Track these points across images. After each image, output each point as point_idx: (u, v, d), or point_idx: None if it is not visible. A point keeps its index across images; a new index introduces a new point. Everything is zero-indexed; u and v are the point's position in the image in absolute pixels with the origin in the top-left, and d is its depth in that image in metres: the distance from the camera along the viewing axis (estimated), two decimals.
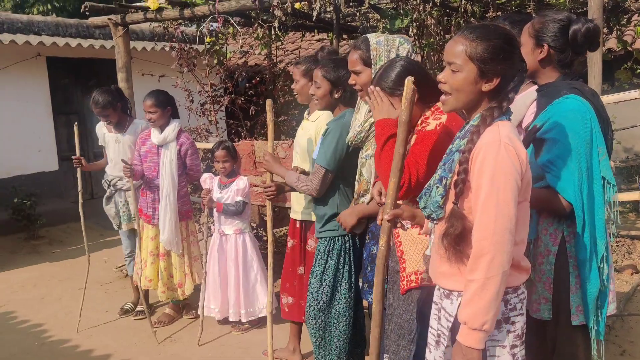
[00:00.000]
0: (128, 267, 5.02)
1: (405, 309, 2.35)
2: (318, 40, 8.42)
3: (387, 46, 2.70)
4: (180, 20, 5.56)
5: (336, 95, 3.14)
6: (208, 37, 5.74)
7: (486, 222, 1.71)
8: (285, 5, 4.43)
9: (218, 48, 5.96)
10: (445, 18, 6.08)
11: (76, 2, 16.02)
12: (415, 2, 5.41)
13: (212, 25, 5.50)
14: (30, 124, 8.24)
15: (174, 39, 5.80)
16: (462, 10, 5.37)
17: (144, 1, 5.30)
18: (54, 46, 7.76)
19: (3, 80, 7.84)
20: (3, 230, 7.41)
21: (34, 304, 5.33)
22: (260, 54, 7.47)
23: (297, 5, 4.87)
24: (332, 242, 3.13)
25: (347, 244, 3.12)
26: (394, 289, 2.52)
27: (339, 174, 3.07)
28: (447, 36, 6.08)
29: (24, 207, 7.40)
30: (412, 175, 2.22)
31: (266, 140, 5.66)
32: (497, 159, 1.70)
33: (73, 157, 4.54)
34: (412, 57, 2.72)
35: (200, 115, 6.02)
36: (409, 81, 1.98)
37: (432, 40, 5.69)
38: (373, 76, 2.68)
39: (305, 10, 5.39)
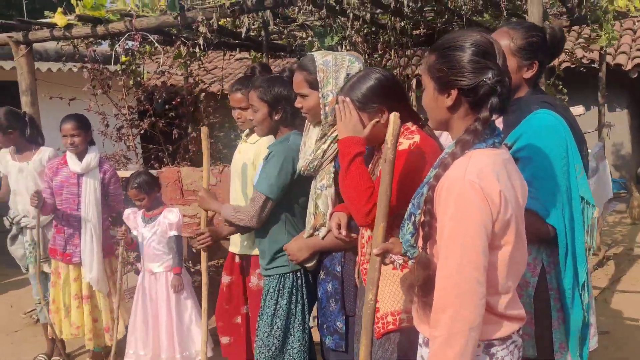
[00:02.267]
0: (40, 315, 4.45)
1: (381, 356, 2.09)
2: (237, 60, 8.11)
3: (336, 66, 2.46)
4: (91, 39, 5.09)
5: (276, 117, 2.86)
6: (123, 56, 5.31)
7: (448, 272, 1.46)
8: (211, 22, 4.12)
9: (134, 68, 5.53)
10: (372, 36, 5.99)
11: None
12: (343, 20, 5.27)
13: (127, 44, 5.07)
14: None
15: (86, 59, 5.31)
16: (392, 27, 5.29)
17: (50, 17, 4.80)
18: None
19: None
20: None
21: None
22: (177, 74, 7.07)
23: (221, 22, 4.57)
24: (282, 279, 2.83)
25: (299, 280, 2.83)
26: None
27: (283, 203, 2.79)
28: (374, 54, 6.00)
29: None
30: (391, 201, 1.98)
31: (192, 165, 5.33)
32: (458, 200, 1.46)
33: None
34: None
35: (116, 141, 5.54)
36: (395, 117, 1.76)
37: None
38: (321, 94, 2.44)
39: (230, 28, 5.11)
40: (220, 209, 2.93)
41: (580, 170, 2.09)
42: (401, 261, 1.88)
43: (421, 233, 1.58)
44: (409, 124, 2.13)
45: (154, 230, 3.86)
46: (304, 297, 2.85)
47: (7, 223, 4.24)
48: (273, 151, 2.77)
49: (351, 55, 2.54)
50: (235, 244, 3.33)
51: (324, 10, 4.19)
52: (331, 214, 2.48)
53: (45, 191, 3.99)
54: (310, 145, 2.59)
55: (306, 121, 2.68)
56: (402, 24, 5.32)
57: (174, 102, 6.01)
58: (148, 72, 6.01)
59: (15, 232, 4.25)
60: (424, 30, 5.33)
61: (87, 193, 3.92)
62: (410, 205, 1.64)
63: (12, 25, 4.92)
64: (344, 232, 2.35)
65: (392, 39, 5.32)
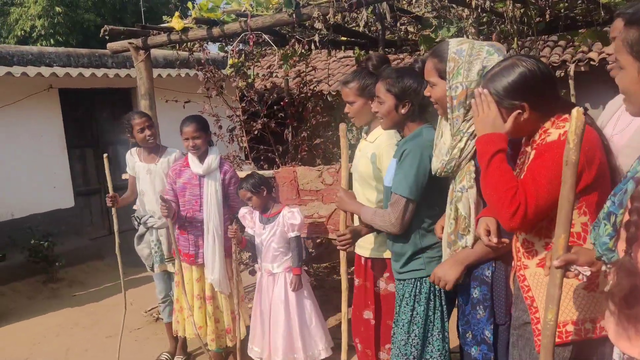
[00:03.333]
0: (163, 313, 4.54)
1: None
2: (341, 58, 8.02)
3: (470, 57, 2.24)
4: (206, 42, 5.15)
5: (402, 111, 2.68)
6: (233, 58, 5.34)
7: None
8: (327, 17, 4.01)
9: (246, 70, 5.56)
10: (487, 26, 5.67)
11: (79, 35, 15.82)
12: (459, 10, 5.01)
13: (239, 45, 5.09)
14: (44, 159, 7.84)
15: (200, 64, 5.39)
16: (511, 15, 4.95)
17: (167, 22, 4.90)
18: (66, 77, 7.40)
19: (14, 114, 7.46)
20: (19, 274, 6.95)
21: (59, 357, 4.85)
22: (278, 76, 7.07)
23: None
24: (418, 284, 2.66)
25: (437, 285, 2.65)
26: (520, 344, 2.04)
27: (422, 202, 2.62)
28: None
29: (41, 249, 6.95)
30: (530, 199, 1.77)
31: (306, 165, 5.27)
32: None
33: (107, 195, 4.08)
34: None
35: (229, 142, 5.59)
36: (578, 112, 1.52)
37: None
38: (448, 85, 2.25)
39: (340, 23, 5.00)
40: (360, 212, 2.80)
41: None
42: (588, 273, 1.65)
43: (624, 235, 1.36)
44: (564, 114, 1.90)
45: (273, 231, 3.82)
46: (443, 303, 2.66)
47: (135, 223, 4.36)
48: (407, 149, 2.60)
49: (491, 45, 2.31)
50: (362, 247, 3.20)
51: None
52: (477, 219, 2.28)
53: (168, 193, 4.05)
54: (445, 142, 2.40)
55: (439, 118, 2.49)
56: (522, 11, 4.98)
57: (282, 103, 5.99)
58: (257, 74, 6.03)
59: (142, 231, 4.35)
60: (547, 18, 4.95)
61: (208, 194, 3.94)
62: (608, 203, 1.44)
63: (132, 32, 5.06)
64: (494, 239, 2.14)
65: (512, 27, 4.98)
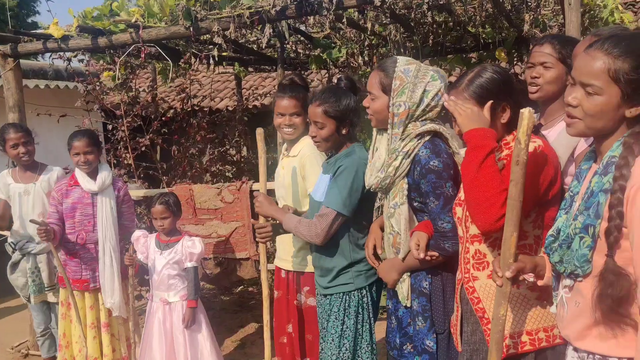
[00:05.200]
0: (42, 348, 4.10)
1: None
2: (221, 74, 7.91)
3: (415, 78, 2.34)
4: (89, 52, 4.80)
5: (344, 132, 2.72)
6: (122, 69, 5.04)
7: None
8: (228, 32, 3.94)
9: (130, 83, 5.26)
10: (368, 48, 5.94)
11: None
12: (349, 31, 5.20)
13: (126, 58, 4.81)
14: None
15: (81, 76, 5.01)
16: (393, 39, 5.24)
17: (44, 29, 4.49)
18: None
19: None
20: None
21: None
22: (155, 91, 6.80)
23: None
24: (347, 297, 2.68)
25: (365, 298, 2.69)
26: None
27: (354, 217, 2.65)
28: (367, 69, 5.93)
29: None
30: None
31: (198, 183, 5.08)
32: None
33: None
34: (439, 99, 2.36)
35: (111, 159, 5.24)
36: (529, 112, 1.63)
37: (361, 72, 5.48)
38: (392, 102, 2.33)
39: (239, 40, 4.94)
40: (283, 218, 2.75)
41: None
42: (532, 279, 1.77)
43: (601, 245, 1.50)
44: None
45: (170, 258, 3.62)
46: (370, 315, 2.71)
47: (9, 249, 3.90)
48: (343, 165, 2.63)
49: (436, 71, 2.41)
50: (283, 259, 3.16)
51: (345, 21, 4.08)
52: (411, 233, 2.36)
53: (52, 215, 3.69)
54: (379, 157, 2.47)
55: (373, 131, 2.56)
56: (406, 36, 5.29)
57: (164, 119, 5.76)
58: (140, 88, 5.73)
59: (17, 258, 3.90)
60: (430, 43, 5.30)
61: (103, 213, 3.65)
62: (582, 217, 1.55)
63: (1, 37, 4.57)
64: (422, 254, 2.25)
65: (393, 51, 5.26)
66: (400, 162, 2.34)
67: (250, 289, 5.91)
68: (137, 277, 3.73)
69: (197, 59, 4.33)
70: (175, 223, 3.68)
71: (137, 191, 4.44)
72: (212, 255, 4.36)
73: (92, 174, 3.71)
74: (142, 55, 4.24)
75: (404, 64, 2.36)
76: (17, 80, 4.73)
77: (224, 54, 5.98)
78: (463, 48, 5.89)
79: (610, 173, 1.50)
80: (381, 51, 5.72)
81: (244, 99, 7.38)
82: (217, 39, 4.02)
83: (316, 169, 2.89)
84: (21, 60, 4.86)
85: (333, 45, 5.13)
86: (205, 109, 6.12)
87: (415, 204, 2.38)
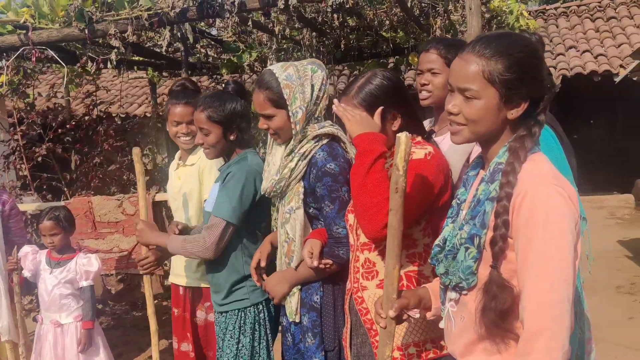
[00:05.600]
0: None
1: None
2: (133, 79, 7.59)
3: (300, 79, 2.26)
4: None
5: (232, 137, 2.58)
6: (10, 74, 4.69)
7: (542, 290, 1.33)
8: (126, 35, 3.72)
9: (24, 89, 4.91)
10: (282, 53, 5.83)
11: None
12: (259, 36, 5.08)
13: (17, 61, 4.47)
14: None
15: None
16: (307, 44, 5.15)
17: None
18: None
19: None
20: None
21: None
22: (64, 97, 6.44)
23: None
24: (242, 314, 2.54)
25: (262, 314, 2.56)
26: None
27: (243, 228, 2.52)
28: None
29: None
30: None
31: (100, 194, 4.80)
32: (550, 206, 1.35)
33: None
34: (326, 87, 2.33)
35: (4, 170, 4.87)
36: (405, 137, 1.54)
37: None
38: (291, 112, 2.23)
39: (139, 43, 4.70)
40: (166, 242, 2.58)
41: (571, 181, 2.04)
42: (417, 316, 1.69)
43: (487, 255, 1.42)
44: (417, 137, 1.97)
45: (62, 277, 3.35)
46: (268, 332, 2.58)
47: None
48: (232, 172, 2.49)
49: (312, 63, 2.35)
50: (179, 275, 2.99)
51: (250, 24, 3.95)
52: (305, 241, 2.25)
53: None
54: (275, 162, 2.36)
55: (269, 138, 2.44)
56: (319, 41, 5.21)
57: (68, 126, 5.43)
58: (39, 94, 5.38)
59: None
60: (342, 48, 5.25)
61: None
62: (468, 226, 1.47)
63: None
64: (315, 262, 2.14)
65: (308, 56, 5.18)
66: (296, 164, 2.25)
67: (165, 302, 5.66)
68: (22, 289, 3.43)
69: (94, 63, 4.07)
70: (68, 239, 3.42)
71: (27, 205, 4.13)
72: (115, 271, 4.10)
73: None
74: (33, 59, 3.94)
75: (283, 72, 2.26)
76: None
77: (137, 58, 5.75)
78: (379, 53, 5.90)
79: (497, 180, 1.43)
80: (296, 55, 5.64)
81: (158, 104, 7.10)
82: (115, 42, 3.80)
83: (211, 181, 2.74)
84: None
85: (244, 49, 4.98)
86: (115, 116, 5.82)
87: (310, 210, 2.28)
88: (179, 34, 3.98)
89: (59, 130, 5.40)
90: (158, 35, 4.45)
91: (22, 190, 4.79)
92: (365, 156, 1.81)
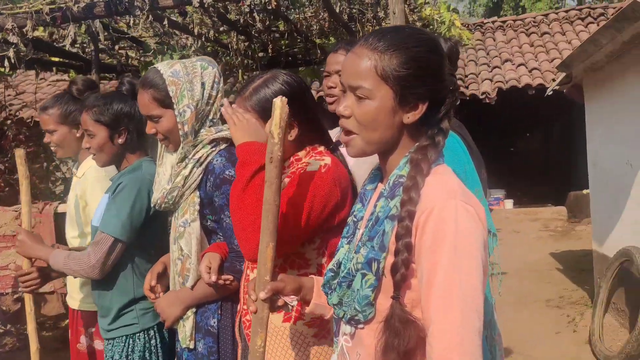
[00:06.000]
0: None
1: None
2: (51, 83, 7.15)
3: (188, 76, 2.03)
4: None
5: (120, 141, 2.32)
6: None
7: (450, 323, 1.13)
8: (25, 30, 3.40)
9: None
10: (214, 56, 5.59)
11: None
12: (183, 37, 4.82)
13: None
14: None
15: None
16: (236, 47, 4.93)
17: None
18: None
19: None
20: None
21: None
22: None
23: (39, 31, 3.86)
24: (130, 341, 2.26)
25: (153, 340, 2.29)
26: None
27: (133, 245, 2.26)
28: None
29: None
30: (286, 229, 1.58)
31: (5, 204, 4.39)
32: (457, 225, 1.16)
33: None
34: (219, 85, 2.10)
35: None
36: (282, 102, 1.38)
37: None
38: (177, 112, 2.00)
39: (47, 40, 4.36)
40: (48, 257, 2.28)
41: (481, 195, 1.90)
42: (294, 303, 1.48)
43: (387, 283, 1.21)
44: (320, 147, 1.76)
45: None
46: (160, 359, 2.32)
47: None
48: (123, 182, 2.23)
49: (202, 60, 2.11)
50: (71, 296, 2.69)
51: (166, 23, 3.69)
52: (201, 256, 2.01)
53: None
54: (165, 171, 2.11)
55: (159, 146, 2.19)
56: (247, 44, 5.00)
57: None
58: None
59: None
60: (270, 52, 5.05)
61: None
62: (365, 249, 1.26)
63: None
64: (213, 277, 1.90)
65: (237, 59, 4.96)
66: (191, 171, 2.01)
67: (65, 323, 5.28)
68: None
69: None
70: None
71: None
72: (10, 290, 3.73)
73: None
74: None
75: (168, 68, 2.03)
76: None
77: (55, 59, 5.38)
78: (312, 60, 5.73)
79: (398, 196, 1.23)
80: (225, 59, 5.40)
81: None
82: (12, 38, 3.47)
83: (98, 193, 2.46)
84: None
85: (166, 51, 4.70)
86: (29, 120, 5.42)
87: (207, 222, 2.04)
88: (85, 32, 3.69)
89: None
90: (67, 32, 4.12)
91: None
92: (245, 168, 1.60)
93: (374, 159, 2.04)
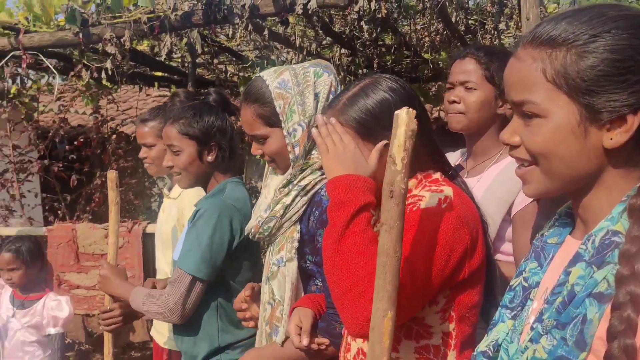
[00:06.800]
0: None
1: None
2: (157, 97, 7.19)
3: (299, 86, 1.66)
4: None
5: (209, 158, 2.03)
6: (10, 81, 4.29)
7: None
8: (122, 40, 3.24)
9: (27, 100, 4.50)
10: None
11: None
12: (281, 52, 4.56)
13: (17, 69, 4.06)
14: None
15: None
16: (337, 62, 4.60)
17: None
18: None
19: None
20: None
21: None
22: (82, 112, 6.07)
23: (142, 45, 3.73)
24: None
25: None
26: None
27: (216, 283, 1.93)
28: None
29: None
30: (403, 293, 1.16)
31: (94, 220, 4.30)
32: None
33: None
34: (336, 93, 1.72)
35: None
36: (407, 114, 1.00)
37: None
38: (286, 132, 1.65)
39: (148, 53, 4.25)
40: (128, 295, 2.03)
41: None
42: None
43: None
44: (435, 173, 1.35)
45: (25, 321, 2.84)
46: None
47: None
48: (201, 209, 1.92)
49: (316, 65, 1.73)
50: (158, 330, 2.46)
51: (266, 33, 3.42)
52: (292, 308, 1.64)
53: None
54: (267, 195, 1.76)
55: (266, 166, 1.86)
56: (350, 59, 4.66)
57: (76, 143, 5.01)
58: (45, 106, 4.98)
59: None
60: (375, 68, 4.68)
61: None
62: (550, 342, 0.81)
63: None
64: (305, 340, 1.52)
65: (339, 77, 4.63)
66: (294, 200, 1.64)
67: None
68: None
69: (88, 70, 3.60)
70: (32, 276, 2.91)
71: (2, 229, 3.65)
72: (97, 312, 3.56)
73: None
74: (23, 65, 3.50)
75: (275, 78, 1.67)
76: None
77: (159, 73, 5.32)
78: (419, 77, 5.30)
79: (611, 265, 0.79)
80: None
81: None
82: (110, 48, 3.32)
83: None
84: None
85: (266, 65, 4.46)
86: (130, 136, 5.39)
87: (306, 264, 1.67)
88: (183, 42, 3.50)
89: (67, 147, 4.98)
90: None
91: (8, 212, 4.34)
92: (341, 211, 1.20)
93: (504, 196, 1.59)
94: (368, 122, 1.30)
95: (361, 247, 1.17)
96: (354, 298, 1.15)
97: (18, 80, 4.02)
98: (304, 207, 1.65)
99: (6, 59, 3.59)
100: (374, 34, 4.01)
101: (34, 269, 2.90)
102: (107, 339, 2.32)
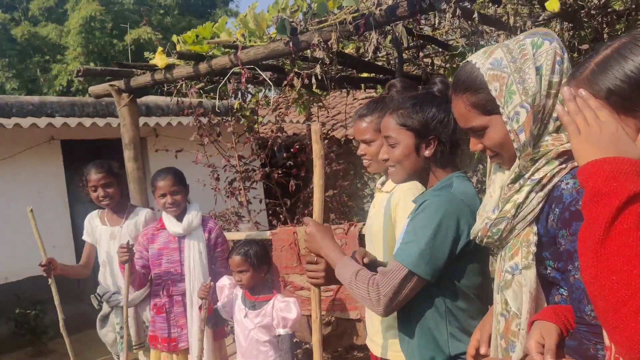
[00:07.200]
0: None
1: None
2: (363, 99, 7.27)
3: (515, 62, 1.38)
4: (194, 81, 4.45)
5: (427, 153, 1.85)
6: (233, 97, 4.62)
7: None
8: (329, 43, 3.25)
9: (248, 113, 4.82)
10: None
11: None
12: (491, 36, 4.22)
13: (237, 85, 4.36)
14: (43, 216, 7.22)
15: (189, 108, 4.69)
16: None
17: (150, 59, 4.23)
18: (66, 127, 6.85)
19: (13, 169, 6.93)
20: (5, 347, 6.22)
21: None
22: (296, 121, 6.36)
23: (348, 48, 3.73)
24: None
25: None
26: None
27: (444, 283, 1.75)
28: None
29: (27, 319, 6.24)
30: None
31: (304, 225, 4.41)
32: None
33: (40, 263, 3.34)
34: (564, 65, 1.39)
35: (228, 197, 4.81)
36: None
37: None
38: (506, 117, 1.40)
39: (354, 55, 4.25)
40: (337, 261, 1.85)
41: None
42: None
43: None
44: None
45: (257, 321, 2.96)
46: None
47: (95, 302, 3.57)
48: (427, 201, 1.76)
49: (533, 35, 1.43)
50: (371, 339, 2.35)
51: (475, 16, 3.15)
52: (530, 323, 1.39)
53: (137, 263, 3.27)
54: (495, 195, 1.53)
55: (488, 163, 1.64)
56: (571, 34, 4.13)
57: (292, 150, 5.23)
58: (262, 117, 5.30)
59: (106, 311, 3.55)
60: (605, 39, 4.09)
61: (190, 258, 3.21)
62: None
63: (113, 72, 4.40)
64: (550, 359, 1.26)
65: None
66: (527, 197, 1.40)
67: None
68: (209, 320, 3.12)
69: (299, 78, 3.69)
70: (260, 278, 3.03)
71: (233, 234, 3.89)
72: (325, 313, 3.63)
73: (180, 216, 3.27)
74: (243, 80, 3.72)
75: (486, 59, 1.42)
76: (132, 115, 4.53)
77: (365, 75, 5.35)
78: None
79: None
80: None
81: None
82: (319, 53, 3.35)
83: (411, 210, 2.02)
84: (151, 97, 4.70)
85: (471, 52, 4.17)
86: (341, 140, 5.50)
87: (547, 271, 1.41)
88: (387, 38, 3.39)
89: (285, 155, 5.23)
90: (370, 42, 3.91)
91: (237, 218, 4.67)
92: (601, 204, 0.95)
93: None
94: (627, 92, 1.03)
95: (635, 249, 0.90)
96: (630, 315, 0.89)
97: (239, 95, 4.27)
98: (541, 204, 1.39)
99: (227, 75, 3.86)
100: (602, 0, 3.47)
101: (261, 271, 3.02)
102: (314, 295, 2.04)
